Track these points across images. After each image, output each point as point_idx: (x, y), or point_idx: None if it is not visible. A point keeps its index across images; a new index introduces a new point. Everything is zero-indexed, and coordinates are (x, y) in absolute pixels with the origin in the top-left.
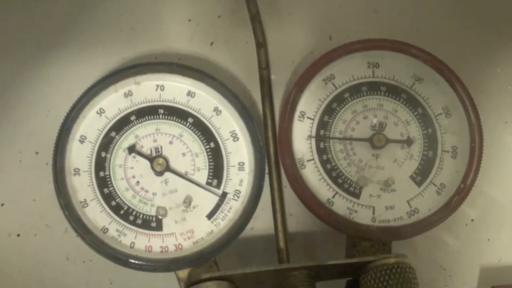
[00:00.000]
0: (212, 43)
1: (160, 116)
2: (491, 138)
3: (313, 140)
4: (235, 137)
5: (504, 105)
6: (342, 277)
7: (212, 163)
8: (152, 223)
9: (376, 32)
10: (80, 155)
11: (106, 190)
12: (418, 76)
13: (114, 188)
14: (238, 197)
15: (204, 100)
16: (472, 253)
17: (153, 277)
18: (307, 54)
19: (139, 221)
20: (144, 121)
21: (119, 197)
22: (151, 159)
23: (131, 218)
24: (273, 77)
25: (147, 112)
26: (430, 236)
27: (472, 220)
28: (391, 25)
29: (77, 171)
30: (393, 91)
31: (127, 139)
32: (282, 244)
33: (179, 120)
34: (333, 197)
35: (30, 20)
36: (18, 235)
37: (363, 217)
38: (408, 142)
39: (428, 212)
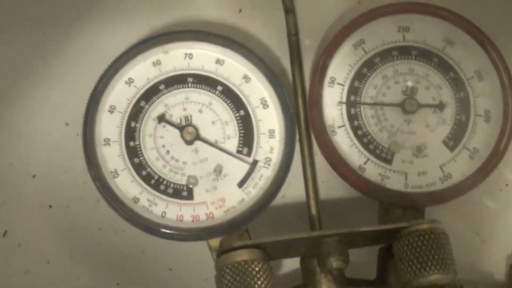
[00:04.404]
0: (240, 10)
1: (189, 84)
2: None
3: (344, 106)
4: (265, 105)
5: None
6: (375, 244)
7: (242, 131)
8: (183, 192)
9: None
10: (110, 125)
11: (136, 160)
12: (450, 39)
13: (144, 158)
14: (269, 164)
15: (233, 68)
16: (506, 218)
17: (185, 246)
18: (336, 19)
19: (170, 191)
20: (173, 90)
21: (149, 166)
22: (180, 128)
23: (162, 187)
24: (307, 42)
25: (176, 81)
26: (464, 202)
27: (507, 184)
28: None
29: (107, 142)
30: (424, 55)
31: (156, 108)
32: (314, 211)
33: (208, 88)
34: (365, 163)
35: None
36: (50, 206)
37: (395, 183)
38: (440, 106)
39: (461, 177)
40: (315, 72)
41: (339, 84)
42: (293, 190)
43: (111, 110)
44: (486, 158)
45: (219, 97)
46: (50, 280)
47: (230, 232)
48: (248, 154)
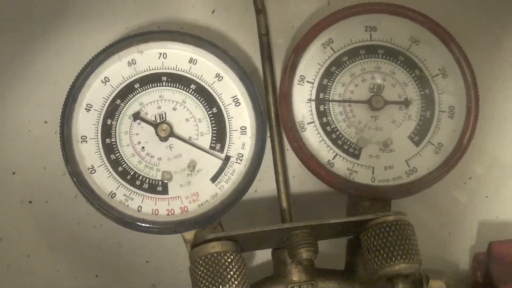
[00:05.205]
0: (213, 11)
1: (164, 83)
2: (488, 98)
3: (313, 103)
4: (236, 102)
5: (501, 65)
6: (343, 236)
7: (215, 128)
8: (158, 187)
9: None
10: (86, 123)
11: (112, 156)
12: (415, 38)
13: (120, 154)
14: (241, 160)
15: (206, 67)
16: (470, 210)
17: (161, 239)
18: (306, 20)
19: (145, 186)
20: (148, 88)
21: (125, 162)
22: (155, 125)
23: (138, 182)
24: (278, 41)
25: (151, 80)
26: (429, 194)
27: (470, 178)
28: None
29: (84, 139)
30: (391, 53)
31: (131, 106)
32: (284, 204)
33: (182, 87)
34: (334, 158)
35: None
36: (30, 202)
37: (362, 177)
38: (406, 103)
39: (426, 171)
40: (285, 71)
41: (308, 82)
42: (265, 184)
43: (88, 108)
44: (450, 152)
45: (193, 95)
46: (31, 273)
47: (203, 225)
48: (221, 150)
